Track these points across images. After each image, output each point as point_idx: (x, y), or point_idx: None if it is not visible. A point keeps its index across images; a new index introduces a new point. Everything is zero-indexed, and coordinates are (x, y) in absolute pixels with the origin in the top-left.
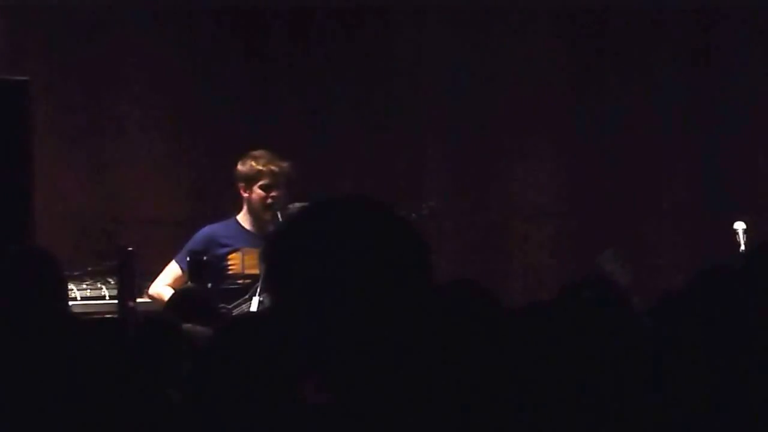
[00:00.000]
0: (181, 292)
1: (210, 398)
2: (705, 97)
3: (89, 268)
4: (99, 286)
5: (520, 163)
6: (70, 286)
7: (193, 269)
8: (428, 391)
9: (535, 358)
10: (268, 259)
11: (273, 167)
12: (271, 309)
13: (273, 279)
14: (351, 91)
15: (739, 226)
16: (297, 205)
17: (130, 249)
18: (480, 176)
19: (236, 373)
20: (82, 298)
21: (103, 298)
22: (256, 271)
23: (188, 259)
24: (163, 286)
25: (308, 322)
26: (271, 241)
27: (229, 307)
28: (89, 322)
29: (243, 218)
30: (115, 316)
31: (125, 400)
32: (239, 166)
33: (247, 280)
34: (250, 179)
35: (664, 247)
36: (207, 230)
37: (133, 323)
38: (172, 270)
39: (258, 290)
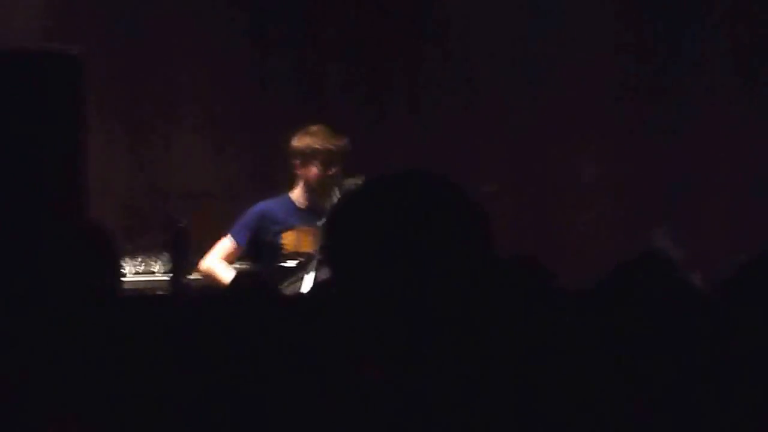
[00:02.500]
0: (245, 276)
1: (271, 374)
2: (761, 74)
3: (141, 243)
4: (150, 261)
5: (570, 141)
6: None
7: (254, 251)
8: (490, 368)
9: (596, 337)
10: (329, 234)
11: (330, 145)
12: (332, 285)
13: (334, 254)
14: (405, 72)
15: None
16: (351, 181)
17: (183, 224)
18: (532, 155)
19: (297, 348)
20: (135, 273)
21: (154, 273)
22: (309, 250)
23: (247, 239)
24: (216, 261)
25: (369, 298)
26: (333, 216)
27: (283, 285)
28: (143, 298)
29: (296, 195)
30: (167, 291)
31: (179, 377)
32: (296, 143)
33: (301, 259)
34: (308, 156)
35: (710, 229)
36: (261, 207)
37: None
38: (226, 245)
39: (311, 269)
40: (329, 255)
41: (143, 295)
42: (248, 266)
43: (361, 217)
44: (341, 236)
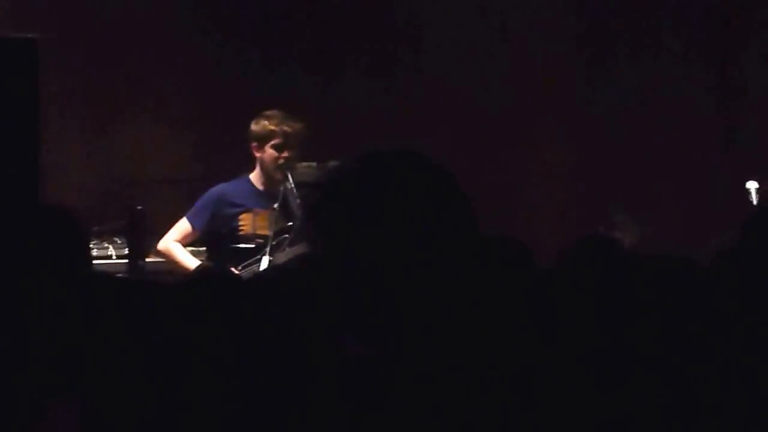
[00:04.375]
0: (204, 273)
1: (249, 349)
2: (720, 60)
3: (95, 228)
4: (105, 245)
5: (531, 130)
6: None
7: (211, 233)
8: (470, 346)
9: (564, 316)
10: (311, 209)
11: (285, 127)
12: (312, 260)
13: (317, 229)
14: (360, 58)
15: (752, 185)
16: (304, 164)
17: (139, 208)
18: (494, 141)
19: (276, 324)
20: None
21: (110, 257)
22: (266, 232)
23: (204, 221)
24: (172, 242)
25: (350, 273)
26: (314, 192)
27: (240, 267)
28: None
29: (255, 178)
30: (125, 275)
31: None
32: (252, 126)
33: (259, 241)
34: (263, 138)
35: (672, 209)
36: (218, 189)
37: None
38: (183, 227)
39: (268, 251)
40: (314, 229)
41: (115, 278)
42: (204, 250)
43: (345, 194)
44: (323, 211)
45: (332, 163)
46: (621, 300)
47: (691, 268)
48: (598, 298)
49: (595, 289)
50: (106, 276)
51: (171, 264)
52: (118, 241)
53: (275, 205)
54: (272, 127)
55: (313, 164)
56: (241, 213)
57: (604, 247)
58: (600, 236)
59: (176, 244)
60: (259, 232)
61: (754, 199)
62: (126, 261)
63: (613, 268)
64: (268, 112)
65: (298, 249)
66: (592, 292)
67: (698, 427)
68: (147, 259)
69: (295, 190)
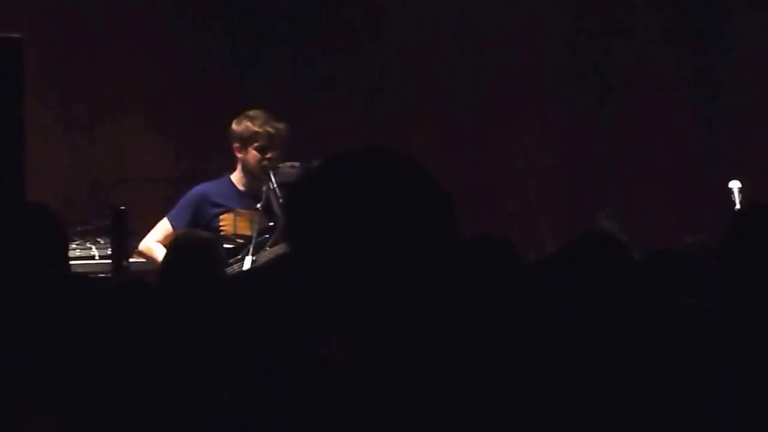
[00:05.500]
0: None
1: (228, 350)
2: (699, 58)
3: (78, 228)
4: (88, 245)
5: (513, 125)
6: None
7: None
8: (451, 347)
9: (552, 310)
10: (290, 209)
11: (269, 128)
12: (291, 261)
13: (294, 230)
14: (342, 54)
15: (734, 185)
16: (287, 164)
17: (123, 208)
18: (477, 141)
19: (254, 324)
20: (72, 258)
21: (92, 257)
22: (248, 232)
23: (185, 221)
24: (153, 242)
25: (329, 275)
26: (293, 192)
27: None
28: (95, 281)
29: (236, 178)
30: (108, 275)
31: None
32: (234, 126)
33: (239, 241)
34: (246, 140)
35: (655, 208)
36: (200, 189)
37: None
38: (164, 227)
39: (250, 251)
40: (288, 230)
41: (91, 278)
42: None
43: (324, 193)
44: (300, 212)
45: (315, 163)
46: (622, 295)
47: (689, 263)
48: (598, 293)
49: (596, 284)
50: (84, 277)
51: (152, 264)
52: (102, 242)
53: (258, 206)
54: (256, 128)
55: (296, 164)
56: (222, 213)
57: (605, 243)
58: (600, 233)
59: (157, 244)
60: (240, 232)
61: (737, 200)
62: (109, 261)
63: (615, 263)
64: (251, 113)
65: (280, 249)
66: (593, 288)
67: (699, 422)
68: (131, 260)
69: (278, 191)
